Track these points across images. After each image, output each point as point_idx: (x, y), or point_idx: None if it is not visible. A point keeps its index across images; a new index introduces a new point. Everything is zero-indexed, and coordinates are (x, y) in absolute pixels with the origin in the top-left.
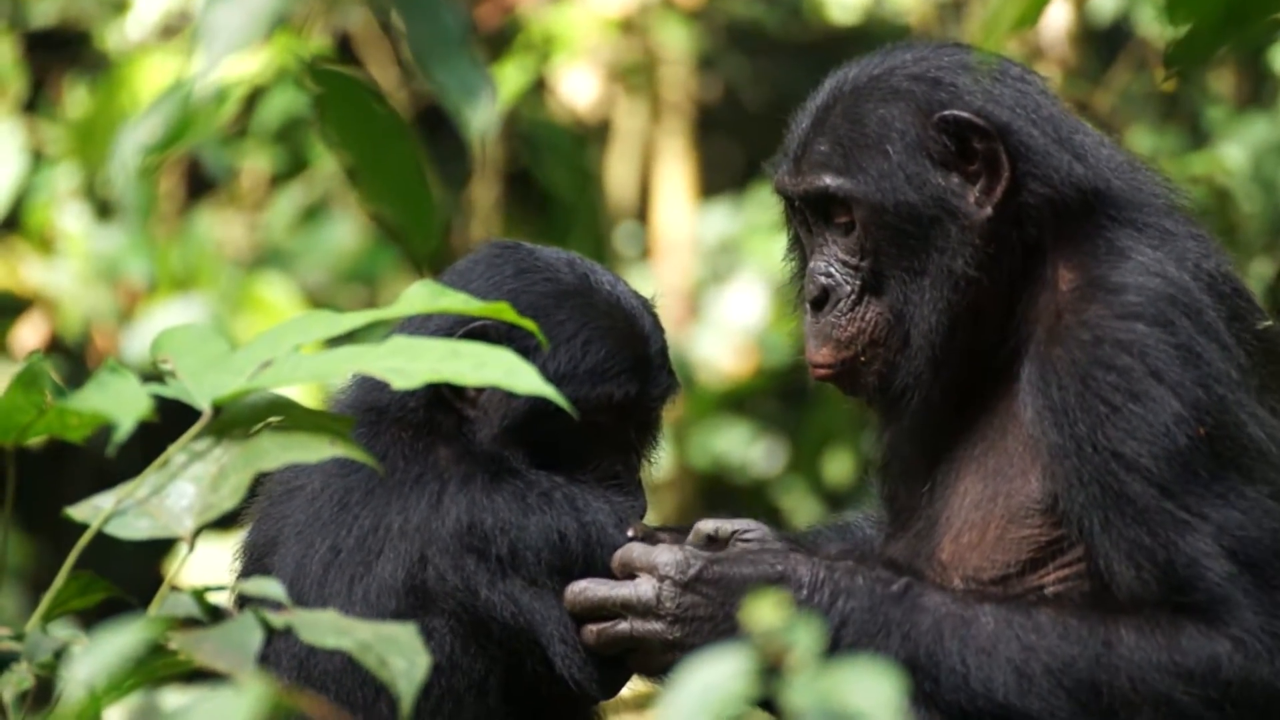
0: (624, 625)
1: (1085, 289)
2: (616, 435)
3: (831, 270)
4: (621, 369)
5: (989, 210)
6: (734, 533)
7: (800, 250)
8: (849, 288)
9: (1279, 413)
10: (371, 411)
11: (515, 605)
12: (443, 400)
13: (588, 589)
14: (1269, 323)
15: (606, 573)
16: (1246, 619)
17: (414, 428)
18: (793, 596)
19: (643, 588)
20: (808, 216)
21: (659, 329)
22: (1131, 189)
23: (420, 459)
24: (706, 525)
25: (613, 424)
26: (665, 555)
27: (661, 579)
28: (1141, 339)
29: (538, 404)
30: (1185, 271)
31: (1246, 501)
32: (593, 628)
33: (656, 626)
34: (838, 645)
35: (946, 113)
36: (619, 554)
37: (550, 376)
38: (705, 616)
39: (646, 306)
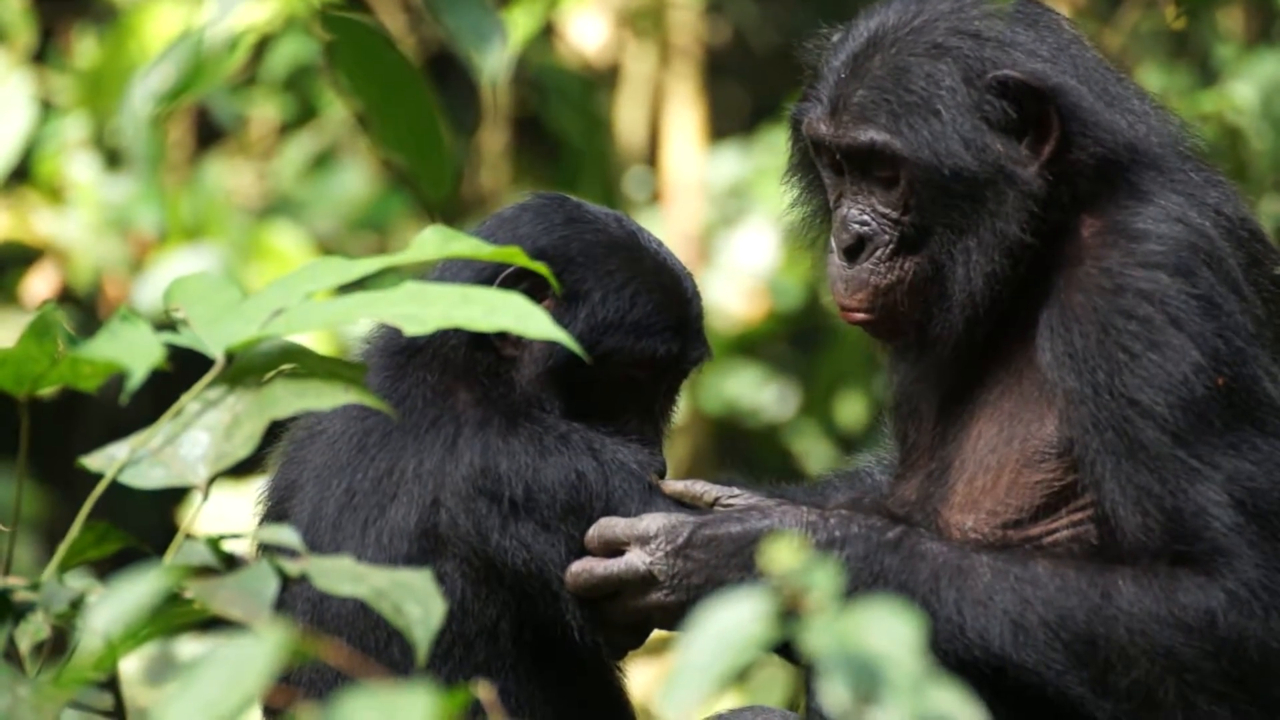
0: (627, 601)
1: (1107, 235)
2: (648, 393)
3: (868, 219)
4: (666, 325)
5: (1042, 173)
6: (717, 499)
7: (817, 190)
8: (887, 237)
9: None
10: (403, 352)
11: (527, 550)
12: (484, 339)
13: (583, 572)
14: None
15: (620, 505)
16: (1245, 572)
17: (442, 368)
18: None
19: (633, 561)
20: (842, 164)
21: (698, 295)
22: (1155, 137)
23: (439, 402)
24: (694, 488)
25: (647, 381)
26: (651, 524)
27: (652, 549)
28: (1163, 289)
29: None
30: (1206, 218)
31: (1259, 454)
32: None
33: (656, 596)
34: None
35: (1000, 73)
36: (598, 529)
37: (596, 323)
38: (702, 579)
39: (687, 271)
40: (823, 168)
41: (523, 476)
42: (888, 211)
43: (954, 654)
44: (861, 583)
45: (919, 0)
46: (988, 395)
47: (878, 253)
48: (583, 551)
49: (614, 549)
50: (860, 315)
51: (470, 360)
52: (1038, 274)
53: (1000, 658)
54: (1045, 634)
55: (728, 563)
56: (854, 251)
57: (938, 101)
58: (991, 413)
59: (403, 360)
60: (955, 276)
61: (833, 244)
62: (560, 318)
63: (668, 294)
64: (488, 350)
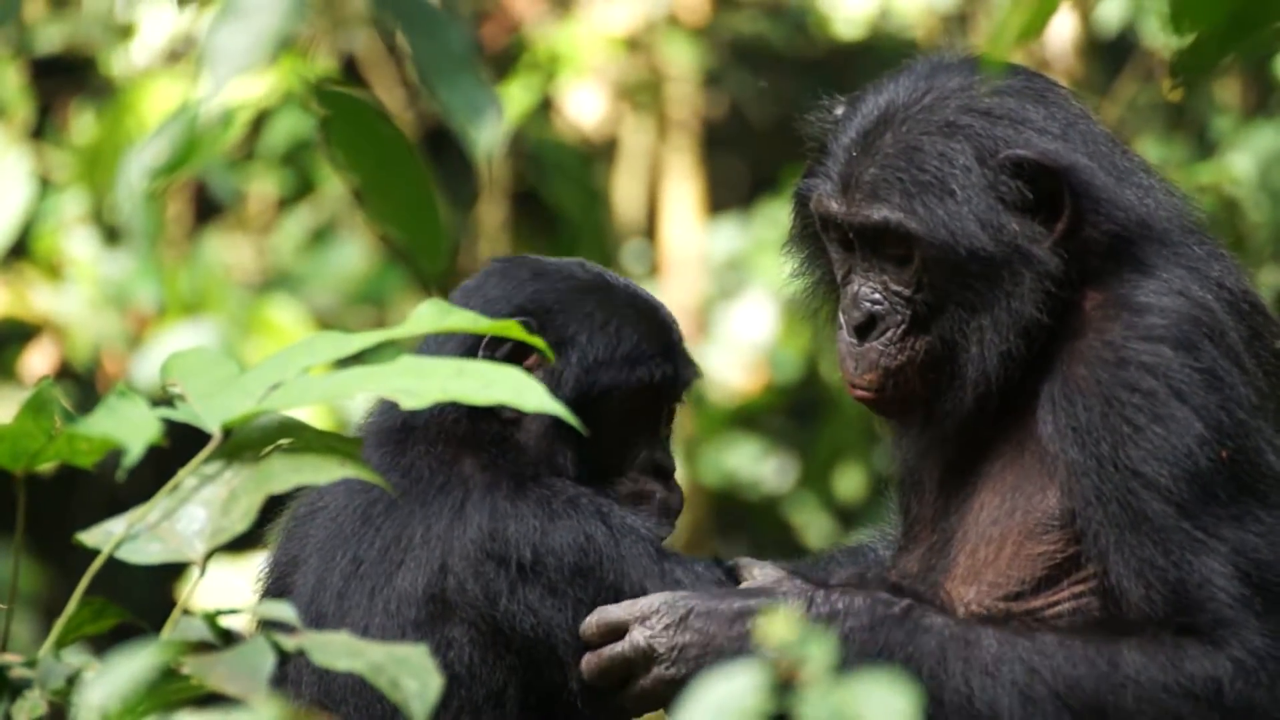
0: (639, 682)
1: (1109, 308)
2: (652, 420)
3: (879, 297)
4: (655, 352)
5: (1056, 251)
6: (740, 571)
7: (820, 262)
8: (899, 316)
9: None
10: (402, 428)
11: (534, 615)
12: (484, 409)
13: (589, 659)
14: None
15: (631, 570)
16: (1251, 641)
17: (445, 439)
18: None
19: (634, 639)
20: (854, 241)
21: (674, 318)
22: (1161, 210)
23: (445, 470)
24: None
25: (649, 408)
26: (650, 602)
27: (651, 624)
28: (1166, 362)
29: (580, 395)
30: (1209, 291)
31: (1263, 526)
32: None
33: (657, 671)
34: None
35: (1014, 152)
36: (597, 616)
37: (588, 364)
38: (700, 651)
39: (658, 300)
40: (830, 243)
41: (530, 540)
42: (900, 290)
43: None
44: (867, 656)
45: (927, 76)
46: (990, 468)
47: (889, 332)
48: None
49: (617, 633)
50: (868, 394)
51: (473, 429)
52: (1040, 347)
53: None
54: (1054, 704)
55: (726, 635)
56: (865, 329)
57: (952, 181)
58: (994, 485)
59: (402, 435)
60: (969, 356)
61: (842, 320)
62: (553, 368)
63: (649, 322)
64: (490, 419)
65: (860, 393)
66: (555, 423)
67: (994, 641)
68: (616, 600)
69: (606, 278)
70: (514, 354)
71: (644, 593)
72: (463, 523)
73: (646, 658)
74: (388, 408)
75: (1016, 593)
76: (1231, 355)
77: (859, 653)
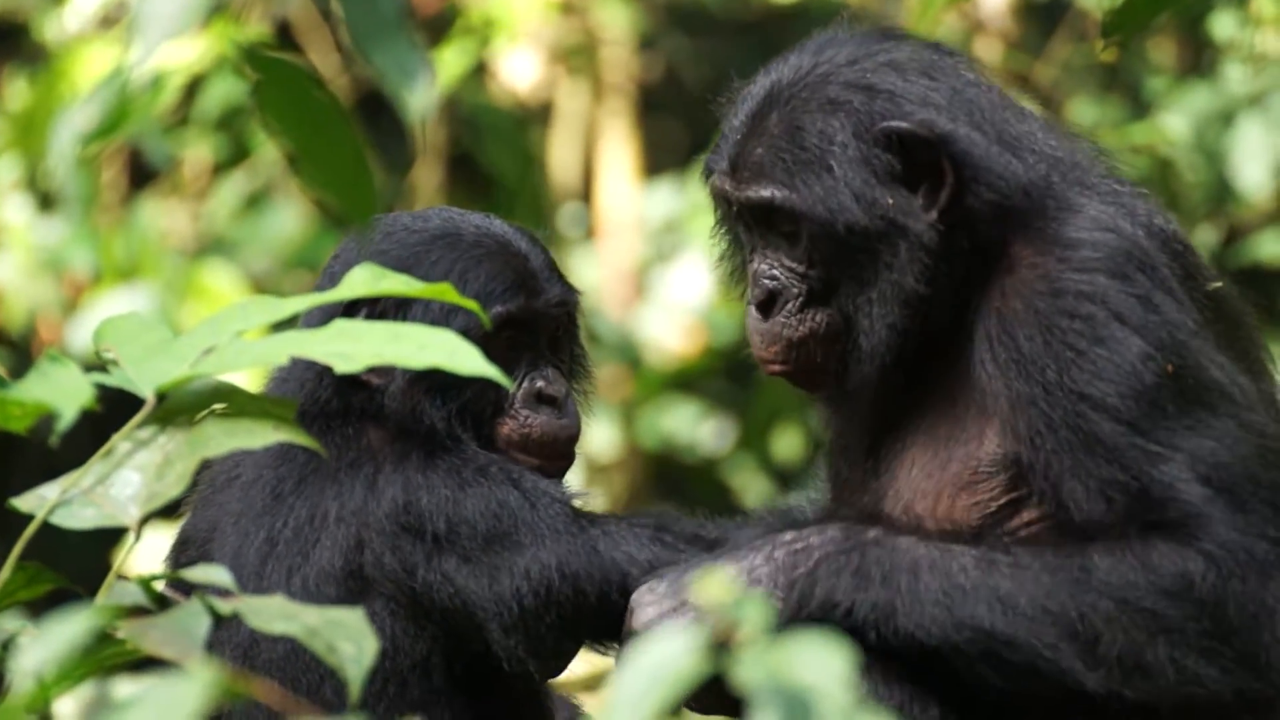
0: None
1: (1040, 244)
2: (528, 354)
3: (776, 274)
4: (504, 286)
5: (936, 222)
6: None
7: (738, 245)
8: (796, 290)
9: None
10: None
11: (452, 585)
12: (346, 379)
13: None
14: (1219, 283)
15: (548, 533)
16: (1219, 534)
17: (338, 415)
18: (763, 562)
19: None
20: (749, 219)
21: (539, 247)
22: (1074, 159)
23: (353, 444)
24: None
25: (517, 342)
26: (634, 598)
27: (635, 618)
28: (1102, 289)
29: None
30: (1139, 228)
31: (1215, 430)
32: None
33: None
34: (811, 593)
35: (887, 125)
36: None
37: (437, 315)
38: (675, 607)
39: (523, 232)
40: (736, 224)
41: (444, 510)
42: (794, 266)
43: (945, 640)
44: (843, 579)
45: (815, 53)
46: (920, 423)
47: (788, 306)
48: (508, 581)
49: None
50: (778, 367)
51: (349, 404)
52: (971, 309)
53: (990, 635)
54: (1032, 609)
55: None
56: (766, 305)
57: (830, 157)
58: (925, 440)
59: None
60: (862, 329)
61: (748, 297)
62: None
63: (495, 259)
64: (358, 387)
65: (770, 366)
66: (416, 375)
67: (969, 557)
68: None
69: (457, 220)
70: (374, 314)
71: (561, 557)
72: (376, 497)
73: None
74: (278, 379)
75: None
76: (1164, 287)
77: (834, 575)
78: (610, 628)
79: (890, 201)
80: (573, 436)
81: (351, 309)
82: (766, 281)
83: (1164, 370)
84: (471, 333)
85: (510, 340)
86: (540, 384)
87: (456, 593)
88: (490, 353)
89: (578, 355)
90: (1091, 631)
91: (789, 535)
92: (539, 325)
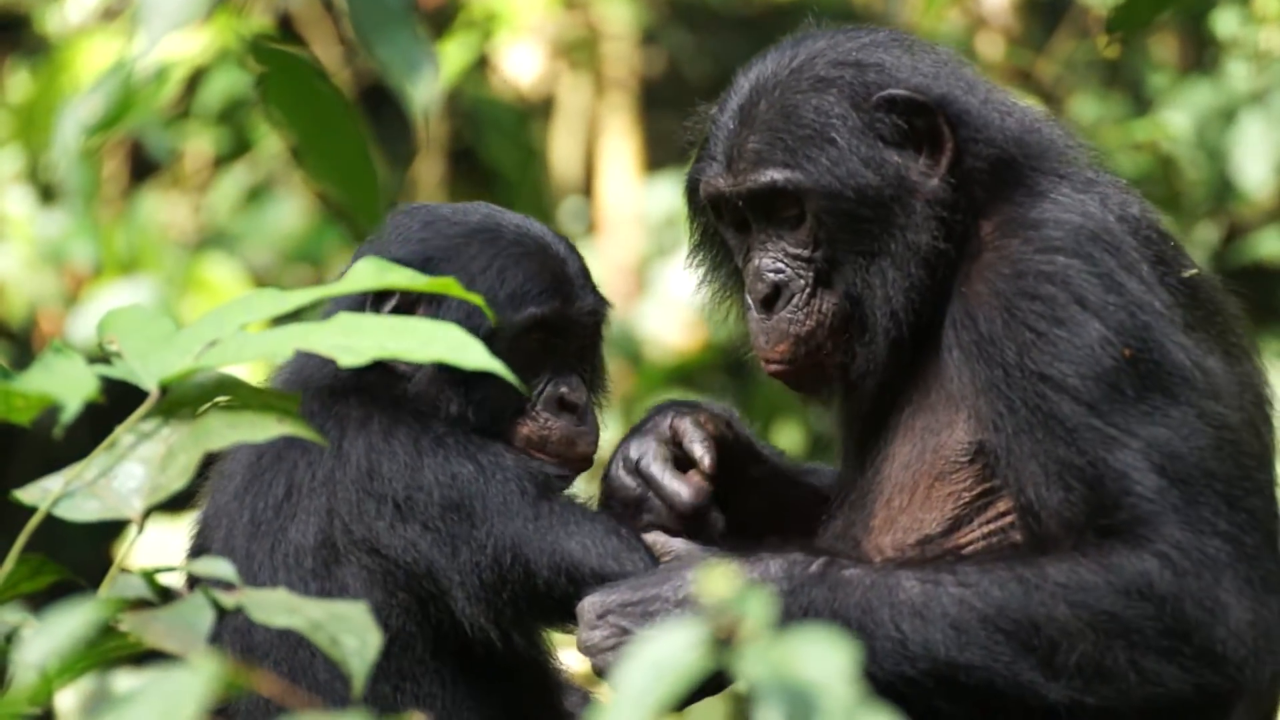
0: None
1: (1004, 227)
2: (554, 358)
3: (781, 265)
4: (541, 289)
5: (943, 180)
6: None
7: (719, 250)
8: (802, 281)
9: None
10: (308, 388)
11: (415, 550)
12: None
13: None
14: (1195, 270)
15: (499, 510)
16: (1173, 534)
17: (338, 392)
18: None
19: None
20: (747, 215)
21: (575, 253)
22: (1049, 141)
23: (327, 413)
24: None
25: (546, 345)
26: (584, 601)
27: (580, 634)
28: (1063, 269)
29: None
30: (1108, 212)
31: (1172, 419)
32: None
33: (598, 663)
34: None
35: (886, 92)
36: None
37: (472, 310)
38: (619, 643)
39: (560, 237)
40: (725, 229)
41: (403, 477)
42: (799, 252)
43: (901, 673)
44: (792, 619)
45: (793, 45)
46: (901, 418)
47: (794, 299)
48: (467, 553)
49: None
50: (783, 368)
51: (364, 381)
52: (945, 288)
53: (948, 664)
54: (986, 629)
55: (647, 622)
56: (771, 301)
57: (830, 130)
58: (905, 433)
59: (309, 394)
60: (875, 303)
61: (749, 299)
62: (438, 316)
63: (534, 260)
64: (379, 370)
65: (774, 367)
66: (440, 367)
67: (916, 582)
68: (491, 541)
69: (498, 219)
70: (403, 306)
71: (513, 535)
72: (342, 463)
73: (587, 652)
74: (292, 368)
75: (929, 535)
76: (1129, 267)
77: (784, 616)
78: (562, 611)
79: (898, 160)
80: (590, 444)
81: (378, 302)
82: (770, 275)
83: (1122, 354)
84: (503, 330)
85: (540, 342)
86: (564, 389)
87: (420, 558)
88: (519, 352)
89: (598, 367)
90: (1048, 642)
91: (742, 566)
92: (570, 331)
